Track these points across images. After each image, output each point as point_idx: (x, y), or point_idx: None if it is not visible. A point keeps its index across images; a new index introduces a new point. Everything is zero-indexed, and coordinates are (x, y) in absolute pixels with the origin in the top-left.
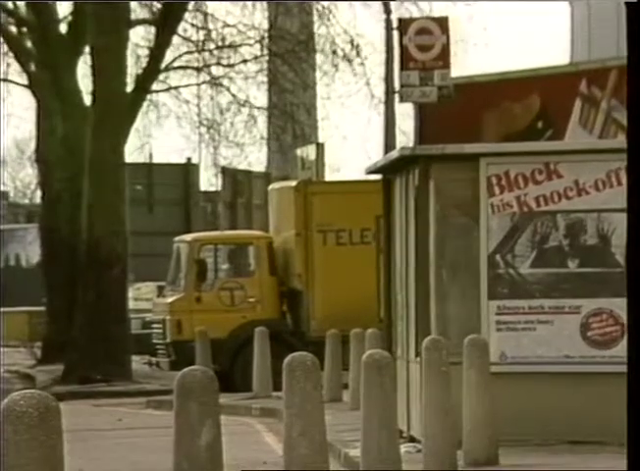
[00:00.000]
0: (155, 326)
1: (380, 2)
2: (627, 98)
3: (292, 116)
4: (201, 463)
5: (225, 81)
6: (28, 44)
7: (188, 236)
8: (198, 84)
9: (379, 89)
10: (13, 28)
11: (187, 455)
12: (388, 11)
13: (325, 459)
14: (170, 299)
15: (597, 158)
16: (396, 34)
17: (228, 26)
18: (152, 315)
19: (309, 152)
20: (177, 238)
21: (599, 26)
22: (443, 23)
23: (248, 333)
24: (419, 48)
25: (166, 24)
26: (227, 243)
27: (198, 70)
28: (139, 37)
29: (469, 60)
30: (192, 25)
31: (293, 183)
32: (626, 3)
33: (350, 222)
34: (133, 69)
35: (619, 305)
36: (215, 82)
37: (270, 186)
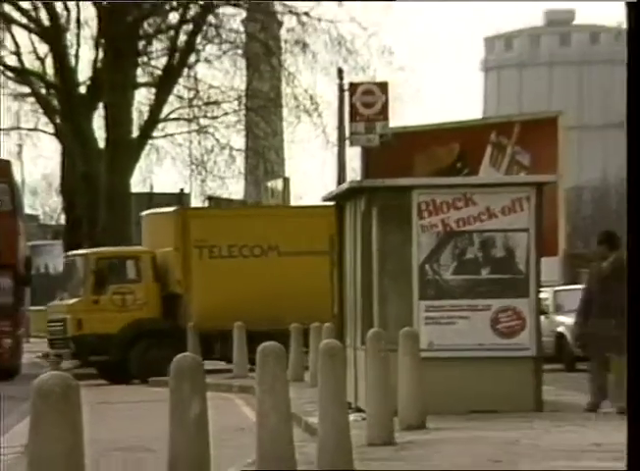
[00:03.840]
0: (53, 324)
1: (335, 69)
2: (627, 98)
3: (263, 156)
4: (191, 430)
5: (210, 129)
6: (55, 102)
7: (86, 251)
8: (189, 132)
9: (333, 136)
10: (43, 90)
11: (180, 424)
12: (341, 76)
13: (290, 426)
14: (70, 302)
15: (503, 190)
16: (346, 94)
17: (212, 87)
18: (50, 315)
19: (277, 184)
20: (70, 253)
21: (505, 90)
22: (383, 86)
23: (136, 329)
24: (364, 105)
25: (164, 86)
26: (117, 257)
27: (189, 121)
28: (143, 96)
29: (405, 114)
30: (185, 86)
31: (172, 210)
32: (627, 3)
33: (224, 239)
34: (137, 120)
35: (521, 304)
36: (202, 130)
37: (144, 213)
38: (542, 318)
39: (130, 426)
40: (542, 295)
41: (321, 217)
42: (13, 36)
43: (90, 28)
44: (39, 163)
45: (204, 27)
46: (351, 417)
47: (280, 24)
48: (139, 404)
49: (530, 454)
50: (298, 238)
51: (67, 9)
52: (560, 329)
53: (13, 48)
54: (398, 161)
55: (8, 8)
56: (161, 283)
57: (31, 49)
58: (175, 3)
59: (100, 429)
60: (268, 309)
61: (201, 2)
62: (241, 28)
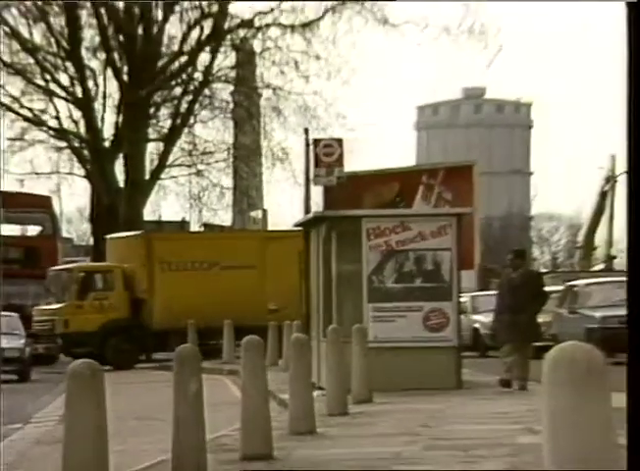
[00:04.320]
0: (40, 324)
1: (302, 128)
2: (627, 98)
3: (246, 193)
4: (190, 403)
5: (205, 173)
6: (86, 153)
7: (71, 266)
8: (189, 174)
9: (300, 178)
10: (76, 144)
11: (182, 399)
12: (307, 134)
13: (267, 401)
14: (58, 306)
15: (432, 219)
16: (311, 147)
17: (207, 141)
18: (36, 317)
19: (258, 214)
20: (55, 268)
21: (433, 145)
22: (339, 141)
23: (110, 327)
24: (325, 155)
25: (170, 140)
26: (95, 271)
27: (189, 166)
28: (153, 148)
29: (355, 162)
30: (185, 141)
31: (138, 233)
32: (627, 3)
33: (179, 256)
34: (149, 166)
35: (446, 306)
36: (199, 174)
37: (109, 236)
38: (462, 317)
39: (141, 400)
40: (462, 299)
41: (254, 239)
42: (54, 105)
43: (113, 99)
44: (73, 198)
45: (201, 98)
46: (315, 394)
47: (259, 95)
48: (148, 384)
49: (451, 420)
50: (235, 256)
51: (96, 84)
52: (476, 325)
53: (54, 113)
54: (350, 197)
55: (53, 85)
56: (129, 290)
57: (68, 114)
58: (180, 79)
59: (119, 403)
60: (212, 310)
61: (200, 78)
62: (230, 98)
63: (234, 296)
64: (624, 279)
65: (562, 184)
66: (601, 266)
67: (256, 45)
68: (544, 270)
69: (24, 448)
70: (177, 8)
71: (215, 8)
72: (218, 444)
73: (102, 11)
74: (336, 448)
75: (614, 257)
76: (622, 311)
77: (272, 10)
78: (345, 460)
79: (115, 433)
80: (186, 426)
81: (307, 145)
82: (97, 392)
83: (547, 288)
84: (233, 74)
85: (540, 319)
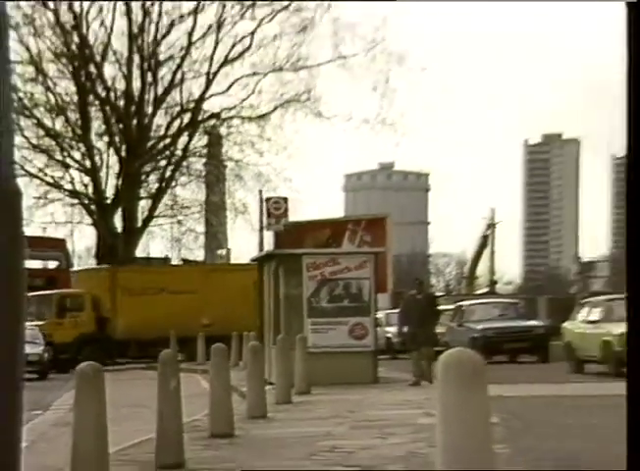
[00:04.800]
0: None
1: (258, 191)
2: (627, 98)
3: (216, 237)
4: (171, 396)
5: (184, 222)
6: (92, 207)
7: (52, 292)
8: (171, 223)
9: (256, 225)
10: (85, 201)
11: (165, 393)
12: (261, 193)
13: (230, 393)
14: (42, 323)
15: (356, 256)
16: (264, 203)
17: (185, 199)
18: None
19: (223, 252)
20: (37, 293)
21: (358, 202)
22: (285, 199)
23: (82, 339)
24: (275, 209)
25: (157, 198)
26: (71, 296)
27: (171, 217)
28: (144, 203)
29: (297, 214)
30: (169, 198)
31: (105, 266)
32: (627, 3)
33: (137, 284)
34: (141, 216)
35: (366, 320)
36: (179, 222)
37: (77, 269)
38: (378, 328)
39: (132, 393)
40: (378, 315)
41: (195, 271)
42: (70, 174)
43: (114, 169)
44: (83, 241)
45: (180, 168)
46: (267, 387)
47: (225, 166)
48: (138, 381)
49: (370, 407)
50: (179, 284)
51: (101, 159)
52: (388, 334)
53: (69, 180)
54: (294, 240)
55: (68, 160)
56: (96, 311)
57: (80, 180)
58: (164, 155)
59: (115, 395)
60: (160, 324)
61: (180, 154)
62: (202, 168)
63: (177, 314)
64: (500, 300)
65: (452, 231)
66: (485, 290)
67: (223, 131)
68: (439, 294)
69: (44, 429)
70: (163, 105)
71: (192, 105)
72: (192, 426)
73: (107, 108)
74: (282, 428)
75: (496, 282)
76: (497, 324)
77: (235, 106)
78: (289, 437)
79: (111, 417)
80: (168, 413)
81: (261, 202)
82: (98, 387)
83: (441, 307)
84: (205, 151)
85: (437, 330)
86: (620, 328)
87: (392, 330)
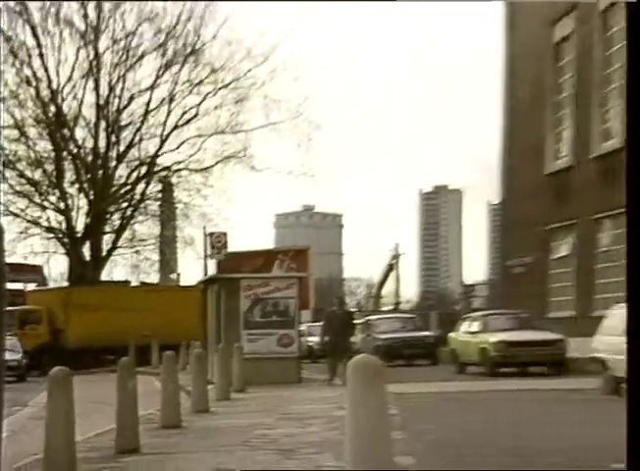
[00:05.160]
0: None
1: (203, 227)
2: (627, 98)
3: (169, 264)
4: (129, 394)
5: (141, 252)
6: (65, 240)
7: (14, 308)
8: (130, 253)
9: (202, 255)
10: (60, 236)
11: (123, 392)
12: (204, 229)
13: (178, 391)
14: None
15: (284, 279)
16: (208, 237)
17: (142, 233)
18: None
19: (174, 276)
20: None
21: (286, 236)
22: (225, 234)
23: (40, 348)
24: (216, 241)
25: (119, 233)
26: (30, 311)
27: (131, 248)
28: (108, 237)
29: (234, 246)
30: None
31: (59, 287)
32: (626, 3)
33: (85, 301)
34: (106, 247)
35: (291, 332)
36: (137, 252)
37: (32, 289)
38: (301, 338)
39: (97, 392)
40: (301, 328)
41: (137, 291)
42: (47, 214)
43: (84, 209)
44: (57, 267)
45: (138, 209)
46: (209, 386)
47: (176, 207)
48: (102, 382)
49: (294, 402)
50: (123, 301)
51: (72, 202)
52: (310, 343)
53: (46, 218)
54: (232, 266)
55: (45, 203)
56: (52, 323)
57: (55, 218)
58: (125, 199)
59: (82, 393)
60: (107, 335)
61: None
62: (157, 209)
63: (121, 327)
64: (400, 315)
65: (362, 260)
66: (390, 307)
67: (174, 180)
68: (353, 310)
69: (23, 422)
70: (124, 159)
71: (148, 160)
72: (147, 419)
73: (77, 162)
74: (222, 420)
75: (400, 302)
76: (397, 334)
77: (184, 161)
78: (227, 427)
79: (78, 412)
80: (126, 409)
81: (205, 236)
82: (67, 388)
83: (355, 321)
84: (159, 195)
85: (352, 339)
86: (494, 337)
87: (313, 339)
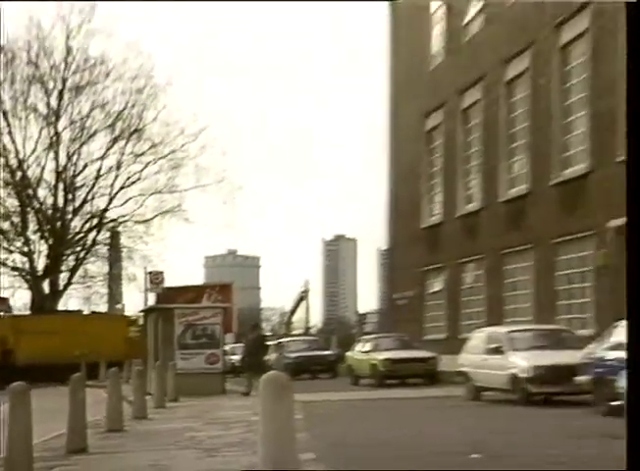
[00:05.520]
0: None
1: (144, 267)
2: (627, 98)
3: (114, 296)
4: (79, 403)
5: (92, 286)
6: (29, 277)
7: None
8: (83, 287)
9: (142, 289)
10: (24, 274)
11: (74, 402)
12: (146, 269)
13: (121, 402)
14: None
15: (210, 309)
16: (148, 275)
17: (93, 271)
18: None
19: (120, 306)
20: None
21: (212, 273)
22: (162, 273)
23: None
24: (155, 278)
25: (73, 271)
26: None
27: (82, 284)
28: (65, 275)
29: (170, 282)
30: (82, 270)
31: (6, 315)
32: (626, 3)
33: (30, 326)
34: (62, 283)
35: (217, 351)
36: (88, 286)
37: None
38: (225, 357)
39: (52, 402)
40: (225, 348)
41: (73, 318)
42: (13, 257)
43: (44, 252)
44: (21, 298)
45: (90, 252)
46: (148, 397)
47: (122, 251)
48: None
49: (219, 409)
50: (59, 327)
51: (35, 247)
52: (232, 361)
53: (11, 259)
54: (168, 298)
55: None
56: (3, 345)
57: (20, 260)
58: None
59: (38, 403)
60: (48, 354)
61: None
62: (106, 253)
63: (58, 348)
64: (306, 338)
65: (275, 293)
66: (300, 331)
67: (120, 229)
68: (268, 334)
69: None
70: (79, 213)
71: (99, 213)
72: (94, 424)
73: (39, 215)
74: (158, 425)
75: (309, 327)
76: (304, 353)
77: (128, 214)
78: (162, 430)
79: (35, 419)
80: (76, 415)
81: (146, 274)
82: (25, 400)
83: (268, 343)
84: (108, 241)
85: (266, 358)
86: (382, 355)
87: (235, 357)
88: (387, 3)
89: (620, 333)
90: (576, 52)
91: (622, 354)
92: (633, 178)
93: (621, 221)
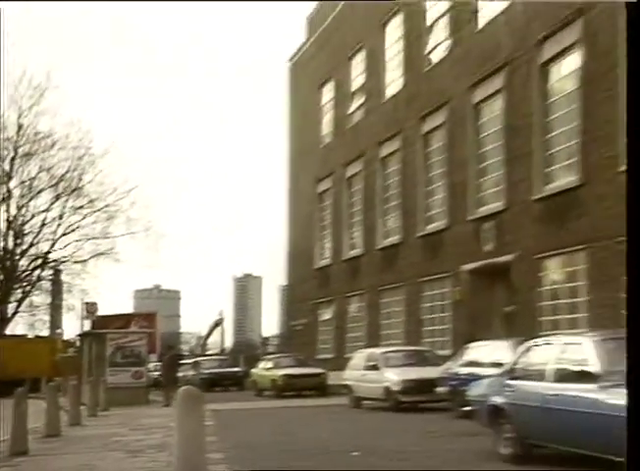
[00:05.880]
0: None
1: (81, 299)
2: (627, 98)
3: (55, 322)
4: (22, 413)
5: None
6: None
7: None
8: (29, 315)
9: (79, 316)
10: None
11: (17, 412)
12: (83, 300)
13: (59, 411)
14: None
15: (136, 334)
16: (85, 305)
17: (38, 302)
18: None
19: (60, 331)
20: None
21: (140, 304)
22: (96, 303)
23: None
24: (90, 307)
25: (20, 302)
26: None
27: (28, 312)
28: (13, 305)
29: (104, 311)
30: (28, 303)
31: None
32: (626, 3)
33: (17, 346)
34: (10, 311)
35: (142, 369)
36: (34, 315)
37: None
38: (149, 373)
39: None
40: (150, 365)
41: (12, 342)
42: None
43: None
44: None
45: (35, 286)
46: (82, 407)
47: (62, 285)
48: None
49: (143, 417)
50: (4, 347)
51: None
52: (155, 376)
53: None
54: (102, 324)
55: None
56: None
57: None
58: (25, 281)
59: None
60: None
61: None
62: (49, 286)
63: (5, 366)
64: (218, 357)
65: (194, 320)
66: (215, 351)
67: (61, 267)
68: (184, 353)
69: None
70: (26, 254)
71: (43, 254)
72: (35, 430)
73: None
74: (90, 430)
75: (224, 349)
76: (216, 370)
77: (68, 255)
78: (94, 435)
79: None
80: (19, 423)
81: (82, 304)
82: None
83: (182, 362)
84: (50, 277)
85: (181, 374)
86: (281, 372)
87: (157, 373)
88: (286, 93)
89: (470, 353)
90: (436, 139)
91: (472, 370)
92: (633, 187)
93: (472, 266)
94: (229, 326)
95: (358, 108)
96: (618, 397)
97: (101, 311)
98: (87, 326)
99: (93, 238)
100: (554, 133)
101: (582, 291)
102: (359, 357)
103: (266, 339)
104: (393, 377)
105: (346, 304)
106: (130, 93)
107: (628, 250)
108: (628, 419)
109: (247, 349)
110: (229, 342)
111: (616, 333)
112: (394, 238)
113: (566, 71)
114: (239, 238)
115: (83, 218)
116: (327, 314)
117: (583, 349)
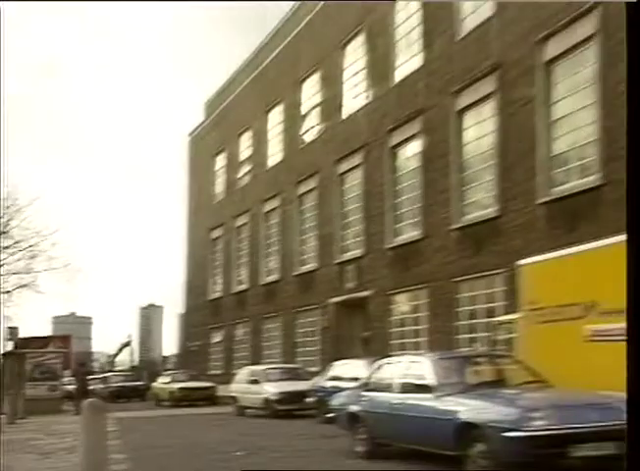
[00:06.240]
0: None
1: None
2: (627, 98)
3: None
4: None
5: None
6: None
7: None
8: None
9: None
10: None
11: None
12: (8, 326)
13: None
14: None
15: (54, 353)
16: (8, 329)
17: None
18: None
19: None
20: None
21: (60, 327)
22: (17, 328)
23: None
24: (10, 332)
25: None
26: None
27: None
28: None
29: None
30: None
31: None
32: (626, 3)
33: None
34: None
35: (57, 383)
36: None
37: None
38: (64, 386)
39: None
40: (64, 380)
41: None
42: None
43: None
44: None
45: None
46: (2, 416)
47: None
48: None
49: (57, 424)
50: None
51: None
52: (69, 389)
53: None
54: (24, 345)
55: None
56: None
57: None
58: None
59: None
60: None
61: None
62: None
63: None
64: (125, 373)
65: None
66: (123, 368)
67: None
68: (93, 370)
69: None
70: None
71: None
72: None
73: None
74: (10, 436)
75: (134, 366)
76: (122, 383)
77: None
78: (13, 440)
79: None
80: None
81: (5, 328)
82: None
83: (91, 376)
84: None
85: (91, 387)
86: (178, 385)
87: (70, 387)
88: (186, 161)
89: (334, 370)
90: (308, 199)
91: (335, 383)
92: (633, 191)
93: (337, 299)
94: (135, 346)
95: (246, 174)
96: (450, 405)
97: (23, 334)
98: (10, 347)
99: (17, 273)
100: (401, 198)
101: (423, 320)
102: (243, 373)
103: (166, 357)
104: (271, 389)
105: (233, 329)
106: (52, 159)
107: (628, 250)
108: (629, 418)
109: (150, 366)
110: (135, 360)
111: (450, 353)
112: (274, 276)
113: (410, 153)
114: (144, 274)
115: (9, 256)
116: (218, 337)
117: (423, 366)
